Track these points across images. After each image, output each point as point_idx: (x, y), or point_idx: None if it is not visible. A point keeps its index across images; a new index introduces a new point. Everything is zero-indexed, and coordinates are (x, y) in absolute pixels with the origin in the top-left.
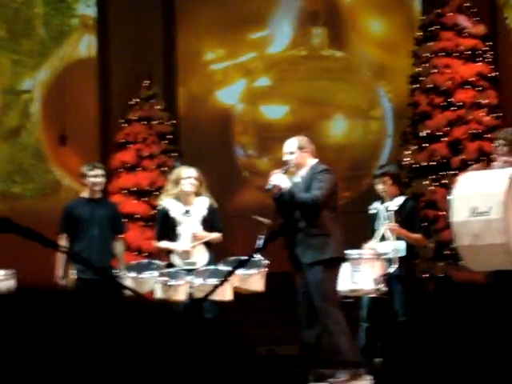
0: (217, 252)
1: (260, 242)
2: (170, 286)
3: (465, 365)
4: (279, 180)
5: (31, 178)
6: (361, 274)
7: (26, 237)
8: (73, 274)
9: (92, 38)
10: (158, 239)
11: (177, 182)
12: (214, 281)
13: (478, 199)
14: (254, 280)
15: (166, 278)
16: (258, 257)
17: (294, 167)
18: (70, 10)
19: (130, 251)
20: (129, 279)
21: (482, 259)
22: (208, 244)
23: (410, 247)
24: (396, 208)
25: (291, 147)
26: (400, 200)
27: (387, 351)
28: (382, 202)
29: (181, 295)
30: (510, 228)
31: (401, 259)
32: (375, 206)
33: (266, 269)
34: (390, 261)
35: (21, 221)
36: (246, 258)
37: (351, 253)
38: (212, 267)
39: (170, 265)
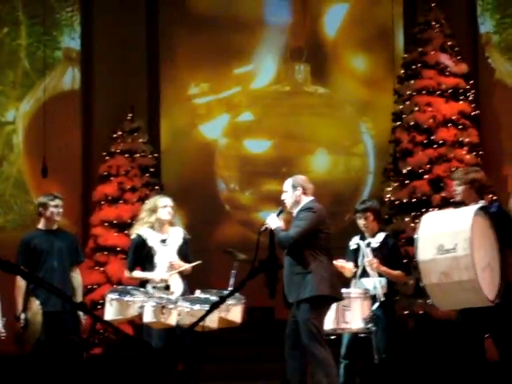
0: (197, 284)
1: (232, 278)
2: (165, 308)
3: None
4: (270, 221)
5: (12, 209)
6: (351, 312)
7: (3, 269)
8: (37, 306)
9: (76, 70)
10: (130, 269)
11: (153, 211)
12: (199, 307)
13: (444, 237)
14: (235, 311)
15: (161, 302)
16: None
17: (290, 205)
18: (54, 43)
19: (111, 284)
20: (114, 302)
21: (450, 297)
22: (182, 274)
23: (390, 284)
24: (378, 245)
25: (286, 186)
26: (381, 237)
27: None
28: (362, 238)
29: (172, 319)
30: (476, 264)
31: (383, 295)
32: (356, 242)
33: (244, 303)
34: (372, 297)
35: (1, 252)
36: (230, 291)
37: (349, 291)
38: (196, 295)
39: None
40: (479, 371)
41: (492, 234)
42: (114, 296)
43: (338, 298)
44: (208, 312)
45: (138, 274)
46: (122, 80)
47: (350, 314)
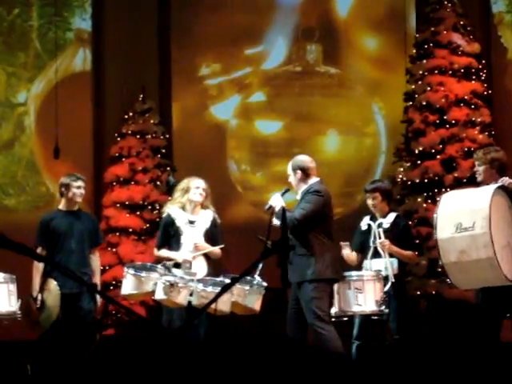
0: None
1: (259, 266)
2: (173, 286)
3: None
4: (274, 201)
5: (24, 190)
6: (363, 295)
7: (18, 252)
8: (54, 286)
9: (87, 51)
10: (158, 247)
11: (186, 191)
12: (215, 289)
13: (463, 215)
14: (252, 298)
15: (171, 278)
16: (258, 279)
17: (294, 188)
18: (66, 24)
19: (122, 265)
20: (130, 276)
21: (469, 276)
22: (208, 257)
23: (401, 265)
24: (388, 225)
25: (288, 168)
26: (392, 217)
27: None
28: (372, 218)
29: (182, 299)
30: (495, 242)
31: (394, 277)
32: (367, 223)
33: (264, 291)
34: (385, 278)
35: (14, 233)
36: (248, 270)
37: (351, 274)
38: (214, 278)
39: (176, 265)
40: (493, 352)
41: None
42: (131, 271)
43: (340, 279)
44: (218, 295)
45: (164, 252)
46: (132, 61)
47: (363, 297)
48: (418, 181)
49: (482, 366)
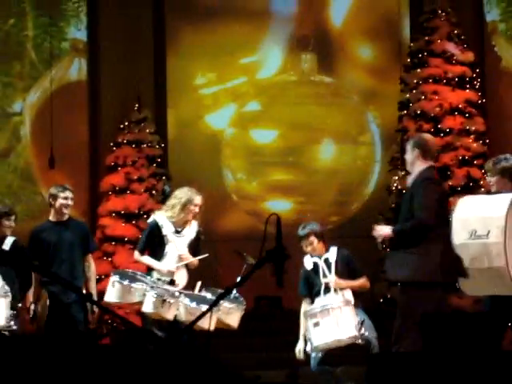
0: (204, 274)
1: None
2: (165, 302)
3: None
4: (380, 231)
5: (20, 200)
6: (343, 321)
7: (14, 264)
8: (46, 298)
9: (82, 61)
10: (141, 252)
11: (185, 206)
12: (204, 307)
13: (478, 222)
14: (234, 316)
15: (163, 293)
16: (237, 295)
17: (407, 166)
18: (61, 34)
19: None
20: (117, 284)
21: (478, 283)
22: (188, 267)
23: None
24: (335, 259)
25: (407, 145)
26: (334, 251)
27: (371, 377)
28: (313, 256)
29: (171, 315)
30: (508, 252)
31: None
32: (312, 261)
33: (244, 311)
34: None
35: None
36: (230, 288)
37: (330, 302)
38: (203, 294)
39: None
40: (493, 360)
41: None
42: (119, 279)
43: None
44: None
45: (147, 259)
46: (128, 70)
47: (344, 322)
48: None
49: (482, 374)
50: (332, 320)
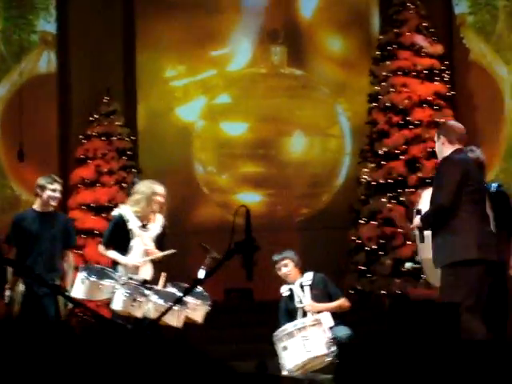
0: (176, 267)
1: (201, 272)
2: (135, 301)
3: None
4: (413, 223)
5: None
6: (310, 341)
7: None
8: (21, 287)
9: (52, 54)
10: (106, 245)
11: (150, 200)
12: (167, 304)
13: None
14: (200, 312)
15: (134, 292)
16: (202, 290)
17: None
18: (30, 27)
19: None
20: (86, 281)
21: None
22: (153, 261)
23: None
24: (310, 283)
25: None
26: (309, 275)
27: (340, 369)
28: (289, 283)
29: (140, 313)
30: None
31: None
32: (288, 288)
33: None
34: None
35: None
36: (197, 283)
37: (295, 323)
38: (170, 290)
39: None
40: (454, 349)
41: (490, 214)
42: (87, 275)
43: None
44: (169, 309)
45: (112, 254)
46: (98, 63)
47: (311, 342)
48: (382, 181)
49: (443, 362)
50: (298, 341)
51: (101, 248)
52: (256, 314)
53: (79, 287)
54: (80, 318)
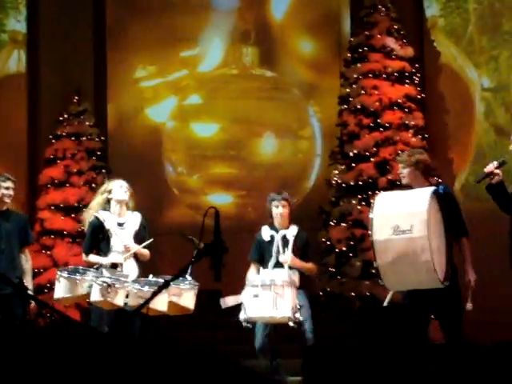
0: (145, 268)
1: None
2: (111, 287)
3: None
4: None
5: None
6: (282, 300)
7: None
8: None
9: (22, 53)
10: (86, 253)
11: (107, 192)
12: (151, 289)
13: (400, 218)
14: (187, 297)
15: (108, 280)
16: (190, 278)
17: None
18: (0, 25)
19: (57, 267)
20: (62, 279)
21: (403, 278)
22: (137, 259)
23: (302, 274)
24: (293, 237)
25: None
26: (294, 229)
27: (307, 370)
28: (272, 229)
29: (119, 300)
30: (432, 246)
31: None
32: (270, 234)
33: (197, 290)
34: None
35: None
36: (182, 270)
37: (273, 277)
38: (148, 279)
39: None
40: (421, 352)
41: (440, 217)
42: (64, 274)
43: None
44: (155, 293)
45: (93, 258)
46: (68, 63)
47: (282, 302)
48: (352, 183)
49: (410, 365)
50: (271, 296)
51: (83, 257)
52: (225, 315)
53: (58, 287)
54: (48, 320)
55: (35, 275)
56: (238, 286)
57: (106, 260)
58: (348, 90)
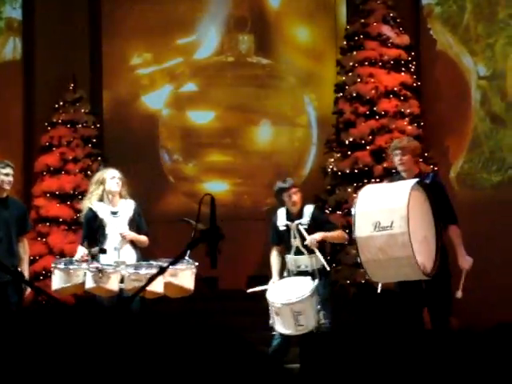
0: (141, 255)
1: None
2: (102, 273)
3: (381, 367)
4: None
5: None
6: (303, 316)
7: None
8: None
9: (17, 40)
10: (82, 243)
11: (101, 183)
12: (145, 271)
13: (381, 214)
14: (184, 276)
15: (99, 265)
16: (186, 258)
17: None
18: None
19: (53, 255)
20: (58, 271)
21: (388, 271)
22: (135, 245)
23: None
24: (308, 222)
25: None
26: (308, 212)
27: (305, 357)
28: (288, 218)
29: (113, 284)
30: (412, 240)
31: (319, 270)
32: (285, 223)
33: (195, 267)
34: (311, 274)
35: None
36: (179, 255)
37: (291, 298)
38: (143, 262)
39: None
40: (417, 339)
41: (428, 206)
42: (58, 265)
43: None
44: (151, 279)
45: (82, 249)
46: (63, 50)
47: (303, 317)
48: (348, 171)
49: (406, 352)
50: (290, 316)
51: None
52: (221, 302)
53: (54, 278)
54: (43, 306)
55: (31, 263)
56: (233, 273)
57: (95, 249)
58: (344, 77)
